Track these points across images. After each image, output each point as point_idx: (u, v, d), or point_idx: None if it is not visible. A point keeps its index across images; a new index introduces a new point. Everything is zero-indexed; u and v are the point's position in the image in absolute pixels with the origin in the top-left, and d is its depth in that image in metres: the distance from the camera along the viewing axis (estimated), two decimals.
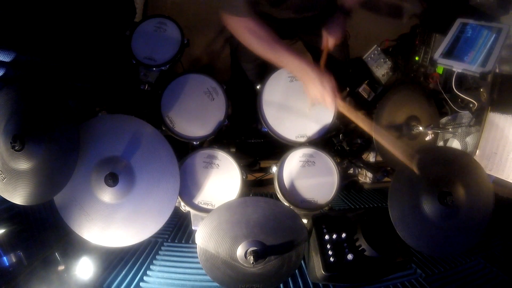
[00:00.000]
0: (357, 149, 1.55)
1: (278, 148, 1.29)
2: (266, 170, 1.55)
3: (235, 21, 1.02)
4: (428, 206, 0.98)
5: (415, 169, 1.00)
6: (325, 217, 1.11)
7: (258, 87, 1.22)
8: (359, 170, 1.69)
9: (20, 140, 0.85)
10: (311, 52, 1.48)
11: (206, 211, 1.17)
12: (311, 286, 1.15)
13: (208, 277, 1.05)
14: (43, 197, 0.90)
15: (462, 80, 1.22)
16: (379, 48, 1.38)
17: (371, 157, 1.93)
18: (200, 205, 1.18)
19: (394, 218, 0.97)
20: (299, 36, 1.50)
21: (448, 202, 0.96)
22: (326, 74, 1.03)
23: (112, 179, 0.97)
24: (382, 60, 1.37)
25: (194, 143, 1.24)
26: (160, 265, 1.22)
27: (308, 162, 1.20)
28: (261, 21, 1.02)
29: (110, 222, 1.01)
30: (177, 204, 1.17)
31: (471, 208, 1.02)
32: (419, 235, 0.98)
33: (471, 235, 1.03)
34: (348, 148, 1.47)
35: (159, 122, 1.19)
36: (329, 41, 1.22)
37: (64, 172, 0.90)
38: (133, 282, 1.13)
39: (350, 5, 1.23)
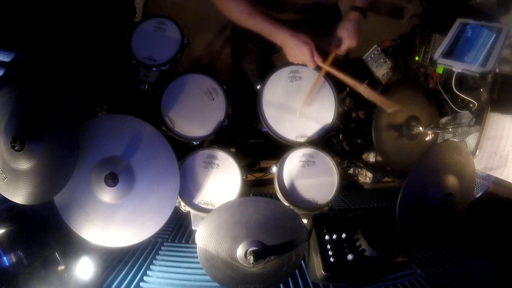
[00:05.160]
0: (357, 149, 1.54)
1: (278, 148, 1.28)
2: (266, 170, 1.55)
3: None
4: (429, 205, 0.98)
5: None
6: (325, 217, 1.11)
7: (258, 87, 1.22)
8: (359, 170, 1.69)
9: (20, 140, 0.85)
10: None
11: (206, 211, 1.17)
12: (311, 286, 1.15)
13: (208, 277, 1.05)
14: (44, 197, 0.90)
15: (462, 80, 1.22)
16: (379, 48, 1.38)
17: (371, 157, 1.93)
18: (200, 205, 1.18)
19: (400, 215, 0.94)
20: None
21: (448, 202, 0.96)
22: (303, 37, 1.09)
23: (112, 179, 0.97)
24: (382, 60, 1.37)
25: (194, 143, 1.23)
26: (160, 265, 1.22)
27: (308, 162, 1.20)
28: None
29: (110, 222, 1.01)
30: (177, 204, 1.17)
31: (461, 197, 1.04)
32: (416, 230, 0.98)
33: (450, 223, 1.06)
34: (348, 148, 1.47)
35: (159, 122, 1.18)
36: (343, 44, 1.18)
37: (64, 172, 0.90)
38: (133, 282, 1.13)
39: (364, 4, 1.23)
